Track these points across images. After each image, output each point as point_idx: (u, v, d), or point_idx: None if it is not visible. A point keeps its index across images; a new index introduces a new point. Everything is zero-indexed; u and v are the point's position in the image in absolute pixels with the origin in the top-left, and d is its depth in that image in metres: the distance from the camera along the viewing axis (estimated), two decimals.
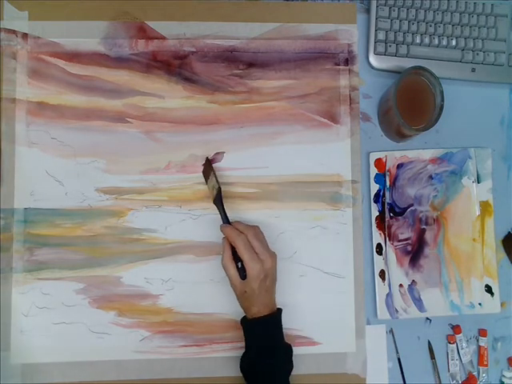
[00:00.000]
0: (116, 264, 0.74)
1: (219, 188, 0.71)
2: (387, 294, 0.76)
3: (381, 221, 0.77)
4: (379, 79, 0.79)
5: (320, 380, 0.74)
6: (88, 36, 0.77)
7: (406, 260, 0.77)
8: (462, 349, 0.76)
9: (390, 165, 0.78)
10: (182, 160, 0.76)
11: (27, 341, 0.72)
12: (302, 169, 0.77)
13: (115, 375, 0.72)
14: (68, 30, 0.77)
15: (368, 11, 0.79)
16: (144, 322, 0.73)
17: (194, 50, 0.78)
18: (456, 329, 0.76)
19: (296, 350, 0.69)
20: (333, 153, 0.78)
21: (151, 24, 0.77)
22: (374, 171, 0.77)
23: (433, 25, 0.78)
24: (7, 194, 0.74)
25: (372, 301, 0.76)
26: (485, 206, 0.78)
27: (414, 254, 0.77)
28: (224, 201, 0.71)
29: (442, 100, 0.72)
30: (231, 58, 0.78)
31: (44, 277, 0.73)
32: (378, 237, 0.77)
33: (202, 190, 0.76)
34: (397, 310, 0.76)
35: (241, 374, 0.67)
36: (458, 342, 0.76)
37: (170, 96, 0.77)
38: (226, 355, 0.73)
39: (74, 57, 0.76)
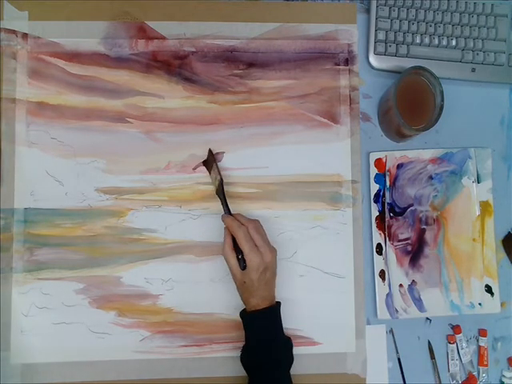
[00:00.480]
0: (116, 264, 0.74)
1: (221, 179, 0.71)
2: (387, 294, 0.76)
3: (381, 221, 0.77)
4: (379, 79, 0.79)
5: (320, 380, 0.74)
6: (88, 36, 0.77)
7: (406, 260, 0.77)
8: (462, 349, 0.76)
9: (390, 165, 0.78)
10: (182, 160, 0.76)
11: (27, 341, 0.72)
12: (302, 169, 0.77)
13: (115, 375, 0.72)
14: (68, 30, 0.77)
15: (368, 11, 0.79)
16: (144, 322, 0.73)
17: (193, 50, 0.78)
18: (456, 329, 0.76)
19: (296, 350, 0.69)
20: (333, 153, 0.78)
21: (151, 24, 0.77)
22: (373, 171, 0.77)
23: (433, 25, 0.78)
24: (7, 194, 0.74)
25: (372, 301, 0.76)
26: (485, 206, 0.78)
27: (414, 254, 0.77)
28: None
29: (442, 100, 0.72)
30: (231, 58, 0.78)
31: (44, 277, 0.73)
32: (377, 237, 0.77)
33: (202, 189, 0.76)
34: (397, 310, 0.75)
35: (241, 374, 0.67)
36: (458, 341, 0.76)
37: (170, 96, 0.77)
38: (226, 355, 0.73)
39: (74, 57, 0.76)
